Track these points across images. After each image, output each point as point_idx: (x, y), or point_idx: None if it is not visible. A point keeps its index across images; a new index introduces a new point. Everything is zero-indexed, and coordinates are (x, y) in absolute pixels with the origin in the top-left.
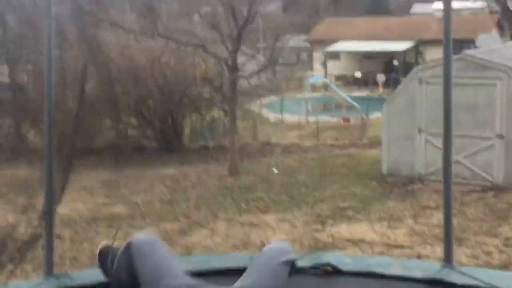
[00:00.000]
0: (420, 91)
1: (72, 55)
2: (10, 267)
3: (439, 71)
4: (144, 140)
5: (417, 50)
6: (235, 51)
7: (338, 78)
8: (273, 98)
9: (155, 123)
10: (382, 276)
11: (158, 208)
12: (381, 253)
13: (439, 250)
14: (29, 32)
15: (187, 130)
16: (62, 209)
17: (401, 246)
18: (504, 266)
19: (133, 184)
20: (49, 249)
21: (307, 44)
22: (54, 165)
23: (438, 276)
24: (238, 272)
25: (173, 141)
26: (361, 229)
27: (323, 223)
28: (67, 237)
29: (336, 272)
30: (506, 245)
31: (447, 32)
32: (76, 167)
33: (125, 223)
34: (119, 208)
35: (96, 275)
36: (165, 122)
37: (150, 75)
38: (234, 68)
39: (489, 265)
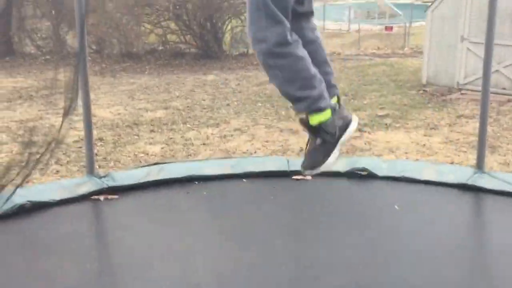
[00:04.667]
0: None
1: None
2: (54, 166)
3: None
4: (183, 45)
5: None
6: None
7: None
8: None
9: (195, 28)
10: (415, 181)
11: (199, 113)
12: (416, 160)
13: (472, 157)
14: None
15: (227, 36)
16: (104, 113)
17: (436, 153)
18: None
19: (173, 89)
20: (90, 149)
21: None
22: (87, 66)
23: (469, 181)
24: (277, 173)
25: (213, 47)
26: (397, 137)
27: (360, 130)
28: (110, 140)
29: (371, 176)
30: None
31: None
32: (116, 71)
33: (166, 128)
34: (160, 113)
35: (136, 176)
36: (205, 28)
37: None
38: None
39: None
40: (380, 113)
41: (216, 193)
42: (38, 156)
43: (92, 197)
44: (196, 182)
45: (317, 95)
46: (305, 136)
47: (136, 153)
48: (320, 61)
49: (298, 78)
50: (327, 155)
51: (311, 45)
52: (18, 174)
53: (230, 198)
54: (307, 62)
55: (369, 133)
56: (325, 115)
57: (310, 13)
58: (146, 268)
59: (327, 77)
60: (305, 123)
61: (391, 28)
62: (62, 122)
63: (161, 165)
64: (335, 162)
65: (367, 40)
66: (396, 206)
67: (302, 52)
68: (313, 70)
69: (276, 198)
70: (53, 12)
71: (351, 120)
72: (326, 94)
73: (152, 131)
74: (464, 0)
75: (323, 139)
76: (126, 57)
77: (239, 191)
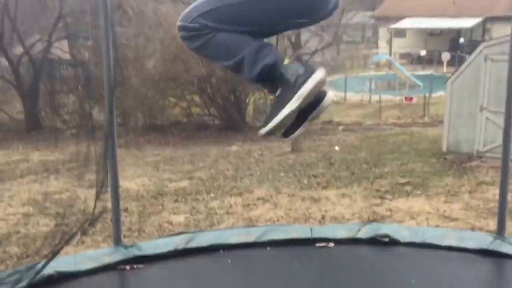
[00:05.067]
0: (485, 69)
1: (132, 32)
2: (80, 238)
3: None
4: (207, 117)
5: (484, 27)
6: None
7: (403, 56)
8: (336, 77)
9: (218, 101)
10: (437, 247)
11: (222, 183)
12: (437, 226)
13: (492, 224)
14: (87, 6)
15: (250, 108)
16: (129, 184)
17: (456, 219)
18: None
19: (197, 160)
20: (117, 220)
21: (372, 21)
22: (115, 140)
23: (490, 247)
24: (301, 241)
25: (236, 119)
26: (418, 204)
27: (382, 197)
28: (135, 211)
29: (393, 243)
30: None
31: None
32: (141, 143)
33: (190, 198)
34: (184, 183)
35: (162, 245)
36: (228, 100)
37: None
38: (297, 45)
39: None
40: (401, 180)
41: (240, 261)
42: (70, 234)
43: (118, 267)
44: (221, 251)
45: (250, 57)
46: (326, 204)
47: (160, 223)
48: None
49: (224, 48)
50: (284, 105)
51: None
52: (51, 250)
53: (254, 266)
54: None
55: (390, 200)
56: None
57: None
58: None
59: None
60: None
61: (411, 98)
62: (96, 202)
63: (186, 235)
64: (292, 120)
65: (387, 110)
66: (412, 280)
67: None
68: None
69: (299, 265)
70: (80, 87)
71: (314, 71)
72: (264, 50)
73: (176, 201)
74: (483, 72)
75: (281, 88)
76: (150, 130)
77: (264, 259)
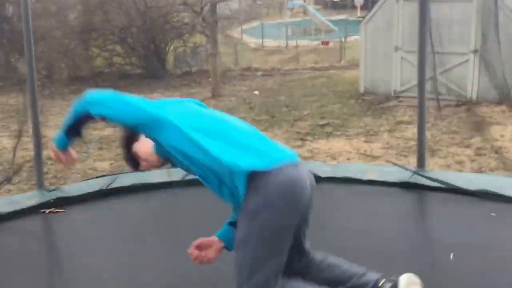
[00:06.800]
0: (397, 9)
1: None
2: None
3: None
4: (129, 67)
5: None
6: None
7: (317, 1)
8: (253, 24)
9: (139, 50)
10: (358, 181)
11: None
12: None
13: (412, 162)
14: None
15: (170, 56)
16: (54, 133)
17: (377, 158)
18: None
19: None
20: (39, 164)
21: None
22: (36, 91)
23: (411, 179)
24: None
25: (157, 68)
26: (339, 144)
27: (303, 139)
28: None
29: (315, 178)
30: (477, 154)
31: None
32: (65, 94)
33: (114, 145)
34: (108, 131)
35: (85, 187)
36: (149, 49)
37: (131, 2)
38: None
39: None
40: (321, 122)
41: (162, 200)
42: None
43: (40, 211)
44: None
45: None
46: None
47: (85, 170)
48: (342, 278)
49: None
50: None
51: (324, 263)
52: None
53: (176, 204)
54: None
55: (311, 141)
56: None
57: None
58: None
59: (364, 279)
60: None
61: (327, 42)
62: (14, 150)
63: (108, 177)
64: None
65: (305, 55)
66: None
67: None
68: None
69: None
70: (5, 41)
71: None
72: None
73: (100, 148)
74: (396, 12)
75: None
76: (75, 80)
77: (185, 198)
